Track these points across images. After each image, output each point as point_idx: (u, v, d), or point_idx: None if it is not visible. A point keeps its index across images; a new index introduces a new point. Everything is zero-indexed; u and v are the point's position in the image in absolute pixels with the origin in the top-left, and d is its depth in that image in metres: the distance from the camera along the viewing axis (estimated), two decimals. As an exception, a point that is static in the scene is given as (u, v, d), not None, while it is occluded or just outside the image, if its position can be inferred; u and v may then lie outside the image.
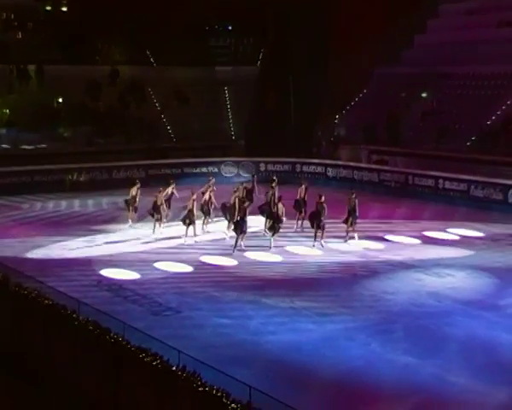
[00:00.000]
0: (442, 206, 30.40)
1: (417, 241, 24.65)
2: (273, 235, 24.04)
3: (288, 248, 24.34)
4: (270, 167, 40.11)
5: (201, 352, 13.76)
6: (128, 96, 41.64)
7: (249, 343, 16.07)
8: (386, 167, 37.28)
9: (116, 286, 20.07)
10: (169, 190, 27.13)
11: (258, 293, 19.65)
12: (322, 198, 24.08)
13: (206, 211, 26.14)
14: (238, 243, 23.59)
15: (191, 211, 24.78)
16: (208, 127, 42.59)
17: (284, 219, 24.23)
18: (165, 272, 21.76)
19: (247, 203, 24.84)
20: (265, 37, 46.64)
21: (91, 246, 24.51)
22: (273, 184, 26.75)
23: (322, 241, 24.05)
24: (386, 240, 24.98)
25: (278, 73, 43.90)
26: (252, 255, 23.53)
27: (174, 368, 11.86)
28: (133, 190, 27.39)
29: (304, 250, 24.11)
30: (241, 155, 41.35)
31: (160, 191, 26.36)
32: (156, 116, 42.40)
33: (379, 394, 13.86)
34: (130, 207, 27.34)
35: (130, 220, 27.28)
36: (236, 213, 24.24)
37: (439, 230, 26.46)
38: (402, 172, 35.82)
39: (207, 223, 26.64)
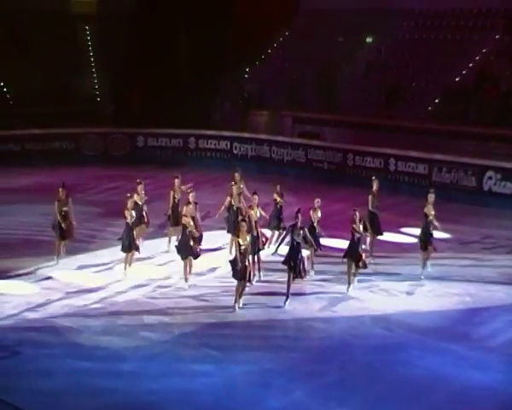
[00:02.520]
0: (394, 196, 30.94)
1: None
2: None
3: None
4: (151, 142, 40.07)
5: (49, 410, 13.65)
6: None
7: (121, 396, 16.00)
8: (316, 142, 37.78)
9: None
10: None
11: (135, 323, 19.82)
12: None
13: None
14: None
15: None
16: (61, 85, 41.99)
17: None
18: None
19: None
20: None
21: None
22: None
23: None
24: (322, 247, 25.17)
25: (164, 8, 43.68)
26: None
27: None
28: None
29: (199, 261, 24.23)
30: (110, 125, 41.07)
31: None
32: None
33: None
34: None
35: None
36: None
37: (391, 229, 26.95)
38: (339, 149, 36.49)
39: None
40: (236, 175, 26.10)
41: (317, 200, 23.25)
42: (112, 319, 20.15)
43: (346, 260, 22.06)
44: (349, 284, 21.93)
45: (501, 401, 15.87)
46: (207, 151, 40.13)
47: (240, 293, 20.62)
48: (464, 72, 37.24)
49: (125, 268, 23.14)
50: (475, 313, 20.38)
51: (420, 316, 20.28)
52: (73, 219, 24.45)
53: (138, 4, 45.95)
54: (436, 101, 36.76)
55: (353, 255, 21.85)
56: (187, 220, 22.06)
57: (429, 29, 40.30)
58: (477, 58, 37.35)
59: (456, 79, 37.18)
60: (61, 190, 24.40)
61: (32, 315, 20.22)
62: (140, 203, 24.44)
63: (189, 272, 22.37)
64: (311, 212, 23.05)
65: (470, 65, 37.28)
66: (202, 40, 42.16)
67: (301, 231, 21.06)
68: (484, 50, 37.42)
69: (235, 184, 25.70)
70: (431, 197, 23.44)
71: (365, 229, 23.21)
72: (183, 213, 22.45)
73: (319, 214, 23.08)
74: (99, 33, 45.35)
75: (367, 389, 16.57)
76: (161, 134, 40.31)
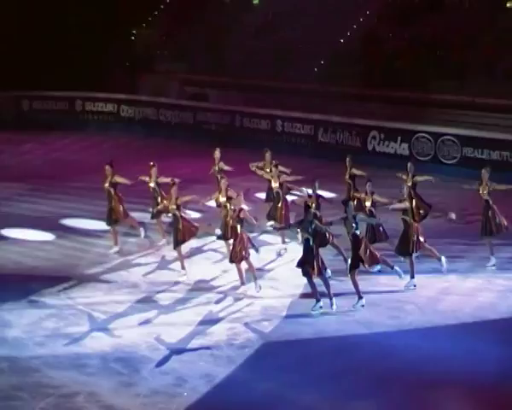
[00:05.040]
0: (281, 156, 30.88)
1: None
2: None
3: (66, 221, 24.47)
4: (36, 105, 39.47)
5: None
6: None
7: (6, 363, 15.71)
8: (205, 104, 37.91)
9: None
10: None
11: (21, 288, 19.50)
12: None
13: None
14: None
15: None
16: None
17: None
18: None
19: None
20: None
21: None
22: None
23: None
24: (207, 207, 25.11)
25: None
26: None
27: None
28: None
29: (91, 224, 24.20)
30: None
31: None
32: None
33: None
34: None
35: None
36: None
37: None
38: (227, 111, 36.58)
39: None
40: (267, 155, 23.93)
41: (368, 183, 20.70)
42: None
43: None
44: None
45: (385, 356, 16.07)
46: (94, 114, 39.66)
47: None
48: (349, 33, 37.50)
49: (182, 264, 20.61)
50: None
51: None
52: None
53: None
54: (322, 62, 36.95)
55: None
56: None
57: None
58: (361, 19, 37.64)
59: (342, 41, 37.41)
60: (107, 167, 22.05)
61: None
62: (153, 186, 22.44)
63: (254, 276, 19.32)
64: (364, 198, 20.75)
65: (354, 26, 37.56)
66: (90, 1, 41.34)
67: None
68: (368, 12, 37.73)
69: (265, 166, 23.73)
70: (484, 174, 20.40)
71: None
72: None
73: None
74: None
75: (254, 347, 16.65)
76: (47, 97, 39.66)
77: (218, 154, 24.05)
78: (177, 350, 16.35)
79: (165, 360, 15.99)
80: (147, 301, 18.95)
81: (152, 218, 22.61)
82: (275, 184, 22.25)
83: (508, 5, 34.07)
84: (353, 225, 18.25)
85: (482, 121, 30.98)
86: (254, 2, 41.56)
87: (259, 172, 23.23)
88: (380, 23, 36.95)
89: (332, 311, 17.85)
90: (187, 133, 36.40)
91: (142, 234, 22.55)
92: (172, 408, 14.09)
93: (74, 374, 15.32)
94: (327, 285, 17.98)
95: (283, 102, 35.05)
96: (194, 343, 16.68)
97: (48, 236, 23.40)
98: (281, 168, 22.75)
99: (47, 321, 17.69)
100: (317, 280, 17.98)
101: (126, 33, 42.83)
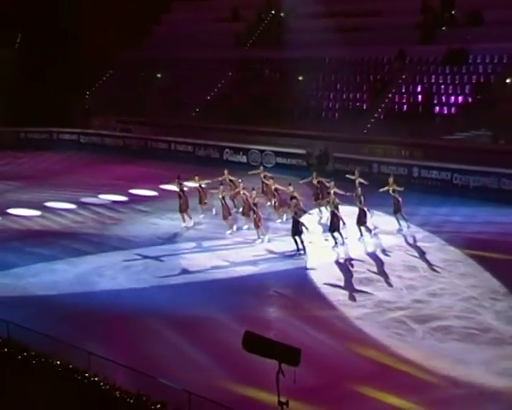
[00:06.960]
0: (173, 164, 30.92)
1: (155, 193, 24.99)
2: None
3: (48, 203, 23.60)
4: (29, 135, 38.07)
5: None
6: None
7: (11, 287, 15.50)
8: (129, 134, 37.26)
9: None
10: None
11: (21, 243, 19.01)
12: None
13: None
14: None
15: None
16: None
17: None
18: None
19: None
20: (21, 24, 42.88)
21: None
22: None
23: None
24: (131, 194, 24.94)
25: (35, 55, 40.80)
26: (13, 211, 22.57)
27: None
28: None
29: (62, 205, 23.42)
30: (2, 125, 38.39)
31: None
32: None
33: (123, 316, 14.21)
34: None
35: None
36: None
37: (172, 183, 26.80)
38: (142, 138, 36.07)
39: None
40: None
41: (332, 181, 19.29)
42: (4, 242, 19.15)
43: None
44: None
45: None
46: (64, 141, 38.35)
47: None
48: (212, 93, 37.49)
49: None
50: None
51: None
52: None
53: (18, 54, 42.16)
54: (197, 110, 36.83)
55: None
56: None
57: (192, 69, 38.92)
58: (219, 85, 37.67)
59: (208, 98, 37.33)
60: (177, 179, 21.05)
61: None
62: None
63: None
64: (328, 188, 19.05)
65: (215, 89, 37.58)
66: (61, 75, 39.14)
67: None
68: (223, 81, 37.79)
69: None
70: (390, 180, 19.78)
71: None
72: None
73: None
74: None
75: (160, 273, 16.64)
76: (35, 131, 37.73)
77: (226, 172, 22.35)
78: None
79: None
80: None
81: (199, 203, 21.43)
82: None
83: (299, 78, 34.10)
84: (334, 205, 17.95)
85: (287, 143, 31.40)
86: (158, 75, 40.61)
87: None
88: (230, 88, 36.94)
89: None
90: (118, 152, 35.73)
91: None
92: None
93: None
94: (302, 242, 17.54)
95: (176, 132, 34.77)
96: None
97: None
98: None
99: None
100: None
101: (83, 93, 41.43)
